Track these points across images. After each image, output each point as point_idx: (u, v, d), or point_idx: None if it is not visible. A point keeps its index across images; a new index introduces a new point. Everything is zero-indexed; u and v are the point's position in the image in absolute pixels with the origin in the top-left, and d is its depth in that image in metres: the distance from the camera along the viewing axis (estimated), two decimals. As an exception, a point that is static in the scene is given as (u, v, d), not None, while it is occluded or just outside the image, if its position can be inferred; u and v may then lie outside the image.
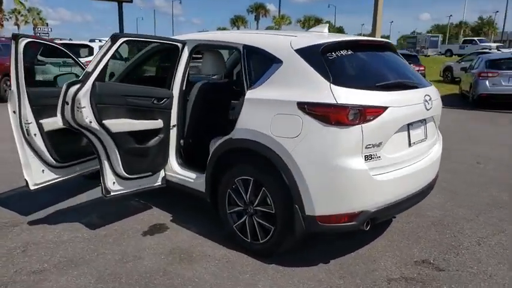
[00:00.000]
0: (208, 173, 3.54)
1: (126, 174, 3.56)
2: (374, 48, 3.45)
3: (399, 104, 2.96)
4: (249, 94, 3.19)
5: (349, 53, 3.14)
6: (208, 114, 4.12)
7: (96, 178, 4.74)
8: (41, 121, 3.78)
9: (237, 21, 78.01)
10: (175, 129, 3.87)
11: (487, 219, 4.13)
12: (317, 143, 2.81)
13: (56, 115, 3.67)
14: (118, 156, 3.44)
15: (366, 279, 3.03)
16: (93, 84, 3.10)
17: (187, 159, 4.04)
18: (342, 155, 2.79)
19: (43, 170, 3.89)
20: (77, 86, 3.07)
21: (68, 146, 4.00)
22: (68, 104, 3.10)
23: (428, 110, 3.23)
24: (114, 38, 3.17)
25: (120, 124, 3.35)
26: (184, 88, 3.87)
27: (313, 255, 3.32)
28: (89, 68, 3.12)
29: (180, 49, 3.74)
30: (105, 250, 3.43)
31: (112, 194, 3.55)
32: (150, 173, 3.81)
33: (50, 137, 3.84)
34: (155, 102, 3.60)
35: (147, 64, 4.77)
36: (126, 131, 3.41)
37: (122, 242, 3.58)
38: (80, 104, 3.07)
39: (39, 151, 3.83)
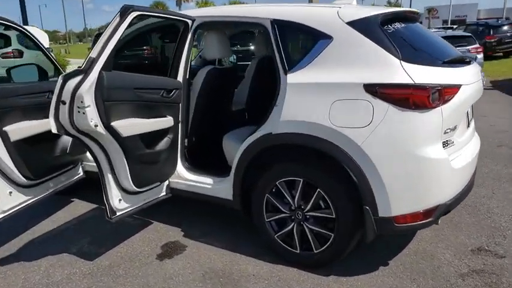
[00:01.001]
0: (237, 176, 2.95)
1: (135, 188, 2.85)
2: (412, 20, 3.08)
3: (468, 81, 2.63)
4: (291, 78, 2.65)
5: (402, 25, 2.74)
6: (217, 106, 3.50)
7: (68, 193, 3.92)
8: (4, 128, 2.88)
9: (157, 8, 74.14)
10: (179, 126, 3.20)
11: (505, 194, 4.06)
12: (394, 132, 2.38)
13: (25, 119, 2.82)
14: (126, 166, 2.71)
15: (439, 279, 2.71)
16: (100, 75, 2.34)
17: (194, 161, 3.40)
18: (423, 143, 2.40)
19: (10, 192, 3.01)
20: (78, 78, 2.30)
21: (40, 157, 3.15)
22: (64, 103, 2.31)
23: (483, 87, 2.96)
24: (124, 12, 2.42)
25: (130, 126, 2.62)
26: (187, 76, 3.20)
27: (365, 258, 2.91)
28: (93, 53, 2.35)
29: (190, 27, 3.05)
30: (120, 286, 2.71)
31: (118, 214, 2.82)
32: (158, 183, 3.11)
33: (18, 148, 2.96)
34: (164, 95, 2.90)
35: (131, 48, 3.96)
36: (136, 133, 2.69)
37: (136, 272, 2.87)
38: (82, 102, 2.30)
39: (4, 168, 2.94)
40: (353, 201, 2.58)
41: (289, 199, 2.80)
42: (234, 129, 3.53)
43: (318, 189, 2.65)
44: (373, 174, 2.43)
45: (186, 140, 3.37)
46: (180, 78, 3.12)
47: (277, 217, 2.89)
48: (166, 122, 2.95)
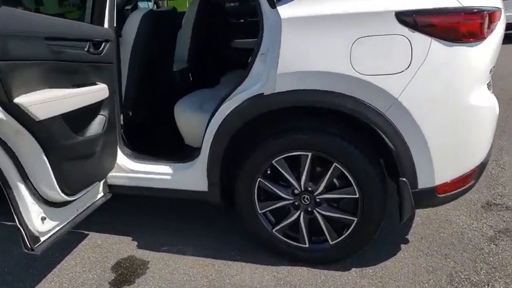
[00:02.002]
0: (213, 159, 2.12)
1: (65, 196, 1.87)
2: None
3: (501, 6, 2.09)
4: (286, 12, 1.86)
5: None
6: (158, 65, 2.56)
7: None
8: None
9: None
10: (115, 97, 2.23)
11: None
12: (439, 75, 1.77)
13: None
14: (48, 166, 1.72)
15: (471, 249, 2.26)
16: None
17: (137, 145, 2.47)
18: (473, 87, 1.83)
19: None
20: None
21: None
22: None
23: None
24: None
25: (48, 102, 1.62)
26: (115, 23, 2.21)
27: (379, 240, 2.32)
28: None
29: None
30: None
31: (44, 239, 1.85)
32: (97, 182, 2.15)
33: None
34: (91, 50, 1.90)
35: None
36: (58, 114, 1.69)
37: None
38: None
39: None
40: (383, 173, 1.96)
41: (292, 181, 2.07)
42: (182, 96, 2.65)
43: (335, 164, 1.96)
44: (415, 135, 1.81)
45: (121, 117, 2.41)
46: (105, 25, 2.11)
47: (275, 206, 2.16)
48: (100, 92, 1.97)
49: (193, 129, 2.42)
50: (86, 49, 1.85)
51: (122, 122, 2.43)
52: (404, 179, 1.89)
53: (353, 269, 2.15)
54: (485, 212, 2.62)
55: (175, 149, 2.50)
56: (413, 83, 1.75)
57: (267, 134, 2.04)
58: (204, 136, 2.15)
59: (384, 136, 1.83)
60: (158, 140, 2.68)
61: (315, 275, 2.12)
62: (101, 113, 2.04)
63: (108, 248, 2.46)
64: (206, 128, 2.14)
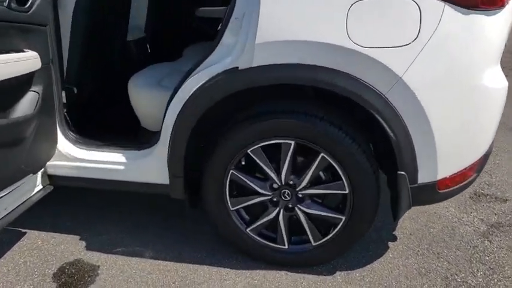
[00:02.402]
0: (176, 146, 1.76)
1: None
2: None
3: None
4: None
5: None
6: (109, 32, 2.13)
7: None
8: None
9: None
10: (52, 69, 1.81)
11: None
12: (453, 49, 1.48)
13: None
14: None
15: (464, 246, 2.05)
16: None
17: (84, 129, 2.07)
18: (488, 65, 1.55)
19: None
20: None
21: None
22: None
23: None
24: None
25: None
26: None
27: (364, 239, 2.05)
28: None
29: None
30: None
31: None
32: (30, 175, 1.74)
33: None
34: (13, 5, 1.47)
35: None
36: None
37: None
38: None
39: None
40: (378, 166, 1.68)
41: (270, 174, 1.75)
42: (138, 70, 2.25)
43: (322, 154, 1.65)
44: (419, 122, 1.52)
45: (63, 94, 1.98)
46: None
47: (249, 203, 1.83)
48: (28, 62, 1.54)
49: (151, 109, 2.04)
50: (5, 4, 1.42)
51: (64, 101, 2.01)
52: (403, 173, 1.61)
53: (338, 273, 1.88)
54: (475, 203, 2.42)
55: (130, 134, 2.12)
56: (421, 57, 1.45)
57: (242, 117, 1.69)
58: (164, 118, 1.78)
59: (383, 122, 1.53)
60: (109, 123, 2.27)
61: (294, 281, 1.83)
62: (32, 88, 1.62)
63: (49, 250, 2.06)
64: (166, 108, 1.77)
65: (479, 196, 2.49)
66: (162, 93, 1.99)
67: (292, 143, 1.66)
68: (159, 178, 1.88)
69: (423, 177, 1.63)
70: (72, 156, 1.97)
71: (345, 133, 1.61)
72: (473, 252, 2.00)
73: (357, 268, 1.91)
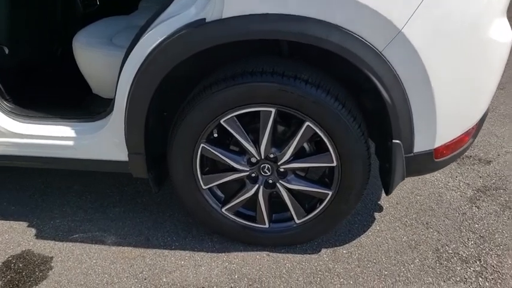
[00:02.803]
0: (132, 118, 1.49)
1: None
2: None
3: None
4: None
5: None
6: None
7: None
8: None
9: None
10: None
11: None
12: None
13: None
14: None
15: (452, 213, 1.93)
16: None
17: (23, 98, 1.76)
18: (496, 16, 1.35)
19: None
20: None
21: None
22: None
23: None
24: None
25: None
26: None
27: (350, 216, 1.88)
28: None
29: None
30: None
31: None
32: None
33: None
34: None
35: None
36: None
37: None
38: None
39: None
40: (369, 134, 1.48)
41: (247, 147, 1.52)
42: (85, 25, 1.93)
43: (307, 123, 1.42)
44: (419, 83, 1.32)
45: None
46: None
47: (224, 180, 1.61)
48: None
49: (102, 72, 1.74)
50: None
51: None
52: (398, 142, 1.42)
53: (323, 251, 1.72)
54: (459, 166, 2.30)
55: (78, 102, 1.81)
56: (425, 7, 1.22)
57: (212, 81, 1.43)
58: (117, 83, 1.49)
59: (378, 84, 1.32)
60: (54, 90, 1.94)
61: (277, 263, 1.66)
62: None
63: (-8, 241, 1.79)
64: (120, 71, 1.48)
65: (463, 159, 2.38)
66: (115, 53, 1.70)
67: (273, 110, 1.42)
68: (115, 154, 1.62)
69: (419, 146, 1.45)
70: (9, 131, 1.66)
71: (334, 98, 1.38)
72: (462, 219, 1.89)
73: (343, 244, 1.76)
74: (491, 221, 1.88)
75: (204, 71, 1.50)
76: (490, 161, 2.34)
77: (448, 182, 2.16)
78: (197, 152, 1.54)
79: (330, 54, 1.31)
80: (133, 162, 1.57)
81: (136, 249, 1.73)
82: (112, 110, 1.55)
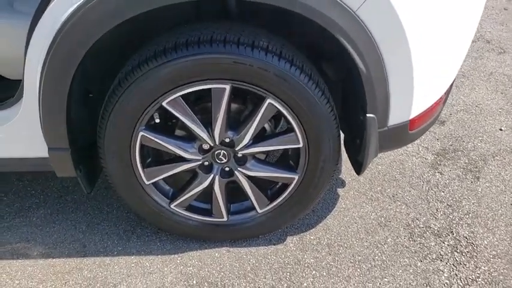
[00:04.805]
0: (48, 104, 1.17)
1: None
2: None
3: None
4: None
5: None
6: None
7: None
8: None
9: None
10: None
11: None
12: None
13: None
14: None
15: (417, 182, 1.84)
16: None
17: None
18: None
19: None
20: None
21: None
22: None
23: None
24: None
25: None
26: None
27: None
28: None
29: None
30: None
31: None
32: None
33: None
34: None
35: None
36: None
37: None
38: None
39: None
40: (338, 110, 1.28)
41: (198, 131, 1.26)
42: None
43: (269, 101, 1.19)
44: (397, 49, 1.13)
45: None
46: None
47: (171, 172, 1.35)
48: None
49: (4, 47, 1.36)
50: None
51: None
52: (372, 116, 1.23)
53: (289, 240, 1.55)
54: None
55: None
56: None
57: (149, 54, 1.13)
58: (25, 60, 1.15)
59: (352, 50, 1.10)
60: None
61: (240, 260, 1.46)
62: None
63: None
64: (27, 45, 1.13)
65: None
66: (17, 22, 1.33)
67: (227, 87, 1.17)
68: (31, 150, 1.29)
69: (394, 119, 1.28)
70: None
71: (300, 69, 1.15)
72: (427, 188, 1.80)
73: (309, 229, 1.59)
74: (456, 187, 1.80)
75: (135, 40, 1.19)
76: (443, 121, 2.27)
77: (407, 148, 2.05)
78: (135, 142, 1.26)
79: (287, 16, 1.07)
80: (56, 159, 1.26)
81: (70, 260, 1.45)
82: (22, 95, 1.21)
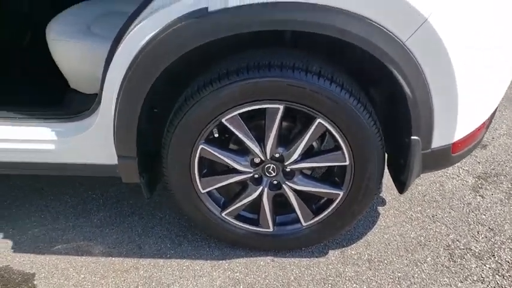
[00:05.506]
0: (123, 119, 1.32)
1: None
2: None
3: None
4: None
5: None
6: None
7: None
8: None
9: None
10: None
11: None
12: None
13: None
14: None
15: (457, 204, 1.87)
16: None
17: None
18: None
19: None
20: None
21: None
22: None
23: None
24: None
25: None
26: None
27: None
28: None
29: None
30: None
31: None
32: None
33: None
34: None
35: None
36: None
37: None
38: None
39: None
40: (384, 131, 1.36)
41: (251, 146, 1.37)
42: (56, 10, 1.72)
43: (319, 120, 1.29)
44: (442, 75, 1.20)
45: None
46: None
47: (225, 183, 1.46)
48: None
49: (82, 65, 1.54)
50: None
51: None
52: (416, 138, 1.31)
53: (331, 253, 1.62)
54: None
55: (56, 99, 1.61)
56: (455, -9, 1.09)
57: (213, 76, 1.26)
58: (104, 79, 1.30)
59: (399, 77, 1.19)
60: (25, 84, 1.72)
61: (283, 269, 1.55)
62: None
63: (-38, 258, 1.59)
64: (107, 66, 1.29)
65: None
66: (95, 44, 1.51)
67: (281, 107, 1.28)
68: (101, 157, 1.45)
69: (438, 141, 1.35)
70: (-22, 135, 1.45)
71: (349, 92, 1.25)
72: (468, 211, 1.83)
73: (350, 244, 1.66)
74: (498, 211, 1.82)
75: (198, 63, 1.33)
76: (485, 145, 2.28)
77: (448, 169, 2.08)
78: (195, 154, 1.39)
79: (338, 44, 1.17)
80: (124, 167, 1.41)
81: (128, 259, 1.58)
82: (97, 109, 1.37)
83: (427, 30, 1.12)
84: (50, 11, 1.84)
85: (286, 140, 1.39)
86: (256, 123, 1.40)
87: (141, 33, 1.18)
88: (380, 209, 1.84)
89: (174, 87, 1.40)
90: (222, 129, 1.38)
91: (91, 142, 1.42)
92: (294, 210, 1.51)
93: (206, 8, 1.11)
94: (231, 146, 1.46)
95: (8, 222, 1.75)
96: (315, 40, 1.24)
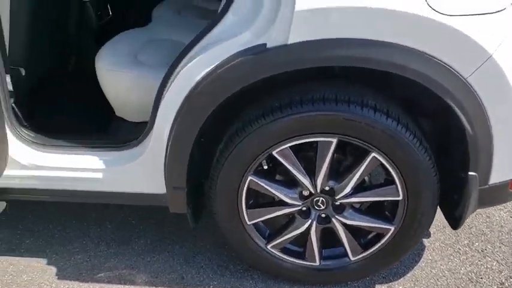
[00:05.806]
0: (176, 151, 1.32)
1: None
2: None
3: None
4: None
5: None
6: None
7: None
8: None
9: None
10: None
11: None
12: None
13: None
14: None
15: (506, 238, 1.79)
16: None
17: (41, 123, 1.58)
18: None
19: None
20: None
21: None
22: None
23: None
24: None
25: None
26: None
27: None
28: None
29: None
30: None
31: None
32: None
33: None
34: None
35: None
36: None
37: None
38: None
39: None
40: (439, 167, 1.32)
41: (301, 179, 1.35)
42: (101, 39, 1.76)
43: (373, 154, 1.26)
44: (503, 112, 1.17)
45: (8, 79, 1.46)
46: None
47: (272, 215, 1.44)
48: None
49: (129, 93, 1.56)
50: None
51: (10, 88, 1.48)
52: (474, 174, 1.26)
53: (377, 287, 1.56)
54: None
55: (103, 127, 1.63)
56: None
57: (266, 109, 1.26)
58: (157, 109, 1.31)
59: (459, 113, 1.16)
60: (71, 112, 1.75)
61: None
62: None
63: (7, 283, 1.59)
64: (159, 96, 1.30)
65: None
66: (142, 73, 1.53)
67: (334, 141, 1.26)
68: (150, 186, 1.44)
69: (495, 177, 1.30)
70: (29, 162, 1.47)
71: (405, 127, 1.23)
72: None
73: (397, 278, 1.60)
74: (550, 247, 1.74)
75: (254, 97, 1.32)
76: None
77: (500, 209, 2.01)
78: (244, 185, 1.37)
79: (391, 77, 1.16)
80: (173, 197, 1.40)
81: (171, 289, 1.56)
82: (146, 139, 1.38)
83: (490, 66, 1.09)
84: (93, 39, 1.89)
85: (335, 173, 1.37)
86: (305, 154, 1.38)
87: (195, 70, 1.19)
88: (425, 241, 1.79)
89: (220, 119, 1.40)
90: (271, 160, 1.36)
91: (140, 172, 1.43)
92: (342, 244, 1.47)
93: (265, 44, 1.11)
94: (279, 177, 1.44)
95: (51, 247, 1.76)
96: (366, 73, 1.23)
